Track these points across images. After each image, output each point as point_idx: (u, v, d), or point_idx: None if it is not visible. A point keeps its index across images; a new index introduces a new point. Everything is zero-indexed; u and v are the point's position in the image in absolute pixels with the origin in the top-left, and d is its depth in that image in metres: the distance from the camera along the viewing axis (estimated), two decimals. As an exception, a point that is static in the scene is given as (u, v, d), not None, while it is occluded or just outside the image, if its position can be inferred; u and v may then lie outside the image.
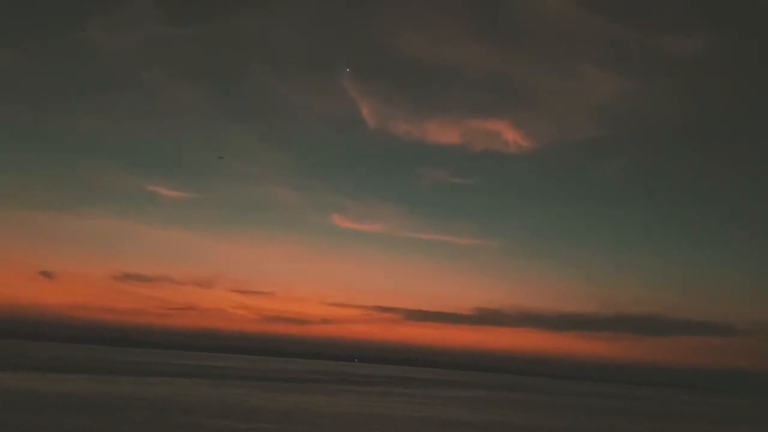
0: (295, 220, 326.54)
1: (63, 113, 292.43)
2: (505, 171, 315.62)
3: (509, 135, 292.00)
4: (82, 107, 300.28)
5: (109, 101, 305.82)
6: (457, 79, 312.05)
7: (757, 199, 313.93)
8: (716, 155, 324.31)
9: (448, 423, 57.03)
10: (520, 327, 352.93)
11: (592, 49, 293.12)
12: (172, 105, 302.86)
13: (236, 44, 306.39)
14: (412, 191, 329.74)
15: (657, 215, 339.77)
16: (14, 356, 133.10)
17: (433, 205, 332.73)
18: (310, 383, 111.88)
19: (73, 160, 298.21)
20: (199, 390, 75.81)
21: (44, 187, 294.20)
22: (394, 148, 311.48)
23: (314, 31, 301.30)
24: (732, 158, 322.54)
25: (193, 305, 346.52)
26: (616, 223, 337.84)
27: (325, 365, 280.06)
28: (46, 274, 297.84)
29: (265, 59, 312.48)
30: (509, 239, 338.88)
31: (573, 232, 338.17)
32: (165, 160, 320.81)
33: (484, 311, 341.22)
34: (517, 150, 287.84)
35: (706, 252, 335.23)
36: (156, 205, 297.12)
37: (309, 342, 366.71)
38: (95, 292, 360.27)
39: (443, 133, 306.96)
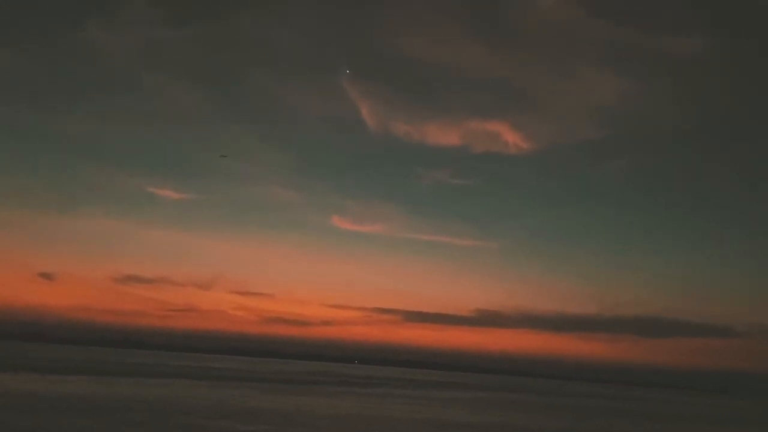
0: (295, 221, 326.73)
1: (63, 114, 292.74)
2: (505, 172, 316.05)
3: (509, 136, 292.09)
4: (81, 108, 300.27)
5: (109, 102, 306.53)
6: (457, 81, 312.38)
7: (756, 201, 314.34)
8: (716, 156, 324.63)
9: (448, 424, 57.06)
10: (519, 328, 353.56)
11: (592, 50, 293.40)
12: (171, 106, 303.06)
13: (236, 45, 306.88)
14: (412, 192, 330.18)
15: (657, 216, 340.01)
16: (14, 358, 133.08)
17: (433, 206, 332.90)
18: (309, 385, 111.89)
19: (73, 161, 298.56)
20: (198, 391, 75.84)
21: (44, 188, 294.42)
22: (394, 150, 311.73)
23: (314, 32, 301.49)
24: (732, 159, 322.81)
25: (193, 307, 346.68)
26: (615, 224, 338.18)
27: (325, 367, 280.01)
28: (46, 276, 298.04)
29: (265, 60, 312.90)
30: (509, 240, 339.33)
31: (573, 234, 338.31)
32: (165, 162, 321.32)
33: (484, 312, 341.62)
34: (517, 151, 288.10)
35: (705, 253, 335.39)
36: (156, 206, 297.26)
37: (309, 343, 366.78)
38: (95, 293, 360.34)
39: (443, 134, 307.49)
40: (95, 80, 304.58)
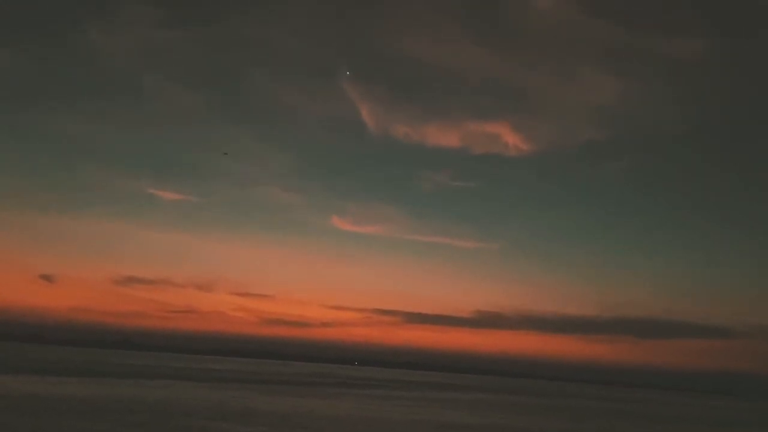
0: (295, 222, 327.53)
1: (63, 115, 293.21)
2: (505, 174, 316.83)
3: (509, 138, 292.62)
4: (81, 109, 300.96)
5: (109, 103, 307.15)
6: (457, 82, 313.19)
7: (756, 202, 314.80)
8: (716, 157, 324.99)
9: (447, 426, 57.06)
10: (520, 329, 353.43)
11: (591, 51, 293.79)
12: (171, 107, 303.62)
13: (236, 47, 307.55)
14: (411, 194, 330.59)
15: (657, 218, 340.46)
16: (14, 359, 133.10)
17: (433, 207, 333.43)
18: (309, 386, 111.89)
19: (73, 163, 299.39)
20: (198, 393, 75.85)
21: (44, 189, 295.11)
22: (394, 151, 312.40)
23: (314, 34, 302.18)
24: (732, 161, 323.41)
25: (194, 308, 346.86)
26: (616, 225, 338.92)
27: (325, 368, 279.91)
28: (46, 277, 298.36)
29: (265, 62, 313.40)
30: (509, 242, 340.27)
31: (573, 235, 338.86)
32: (165, 163, 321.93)
33: (484, 314, 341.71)
34: (517, 153, 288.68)
35: (705, 254, 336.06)
36: (156, 207, 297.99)
37: (309, 345, 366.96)
38: (95, 295, 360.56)
39: (443, 136, 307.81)
40: (95, 81, 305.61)
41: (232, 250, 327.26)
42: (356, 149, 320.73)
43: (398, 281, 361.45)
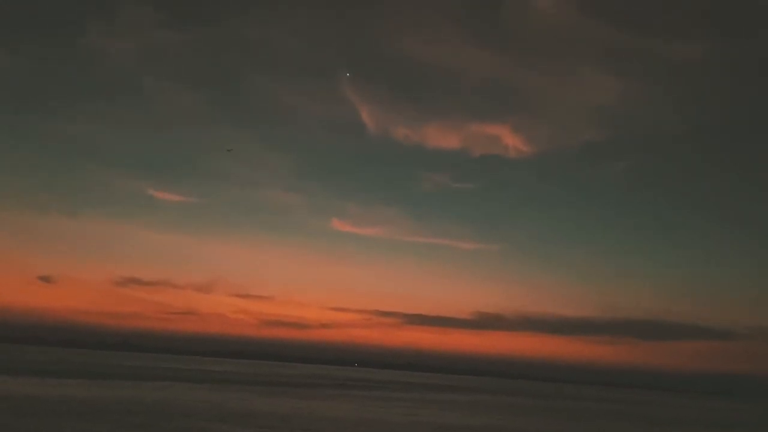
0: (295, 224, 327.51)
1: (63, 117, 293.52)
2: (505, 175, 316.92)
3: (509, 139, 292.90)
4: (82, 111, 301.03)
5: (109, 105, 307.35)
6: (457, 84, 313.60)
7: (757, 204, 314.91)
8: (716, 159, 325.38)
9: (447, 427, 57.07)
10: (520, 331, 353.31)
11: (591, 53, 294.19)
12: (172, 109, 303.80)
13: (236, 48, 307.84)
14: (411, 195, 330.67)
15: (657, 219, 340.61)
16: (13, 361, 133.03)
17: (433, 209, 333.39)
18: (309, 388, 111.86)
19: (73, 164, 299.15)
20: (198, 394, 75.84)
21: (43, 190, 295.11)
22: (394, 153, 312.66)
23: (314, 35, 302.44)
24: (732, 162, 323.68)
25: (193, 310, 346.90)
26: (616, 226, 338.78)
27: (325, 370, 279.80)
28: (45, 279, 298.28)
29: (265, 63, 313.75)
30: (509, 243, 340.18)
31: (573, 236, 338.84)
32: (165, 164, 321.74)
33: (484, 315, 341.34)
34: (517, 154, 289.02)
35: (705, 256, 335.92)
36: (156, 209, 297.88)
37: (308, 346, 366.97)
38: (95, 296, 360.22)
39: (443, 137, 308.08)
40: (95, 82, 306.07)
41: (232, 252, 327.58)
42: (356, 150, 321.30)
43: (398, 283, 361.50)
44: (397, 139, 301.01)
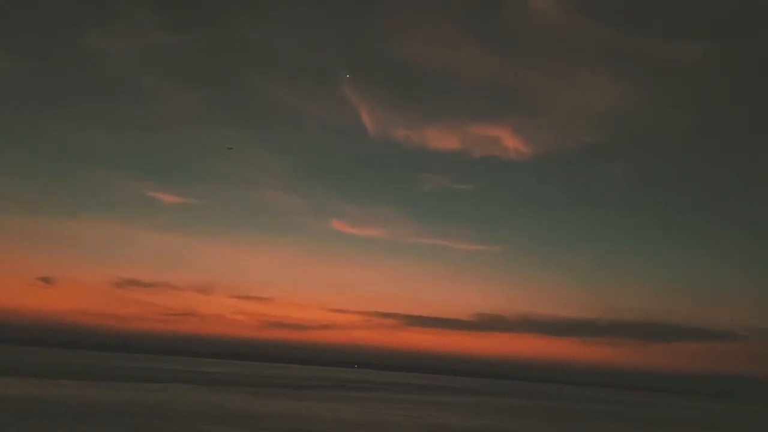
0: (295, 225, 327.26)
1: (63, 119, 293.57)
2: (506, 176, 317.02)
3: (509, 141, 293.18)
4: (82, 112, 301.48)
5: (109, 107, 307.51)
6: (457, 86, 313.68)
7: (757, 205, 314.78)
8: (716, 160, 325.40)
9: (447, 429, 56.95)
10: (520, 332, 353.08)
11: (591, 55, 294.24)
12: (171, 111, 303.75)
13: (236, 51, 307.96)
14: (412, 197, 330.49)
15: (657, 221, 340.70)
16: (13, 362, 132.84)
17: (433, 210, 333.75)
18: (309, 389, 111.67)
19: (73, 166, 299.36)
20: (198, 396, 75.66)
21: (44, 192, 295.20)
22: (394, 154, 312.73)
23: (314, 36, 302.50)
24: (732, 163, 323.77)
25: (193, 311, 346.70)
26: (616, 228, 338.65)
27: (325, 371, 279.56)
28: (45, 280, 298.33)
29: (265, 65, 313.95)
30: (509, 244, 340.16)
31: (573, 237, 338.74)
32: (165, 166, 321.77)
33: (484, 317, 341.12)
34: (517, 156, 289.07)
35: (706, 257, 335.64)
36: (155, 210, 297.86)
37: (308, 348, 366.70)
38: (94, 297, 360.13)
39: (443, 138, 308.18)
40: (96, 84, 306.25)
41: (232, 253, 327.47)
42: (356, 152, 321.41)
43: (398, 284, 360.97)
44: (398, 140, 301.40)
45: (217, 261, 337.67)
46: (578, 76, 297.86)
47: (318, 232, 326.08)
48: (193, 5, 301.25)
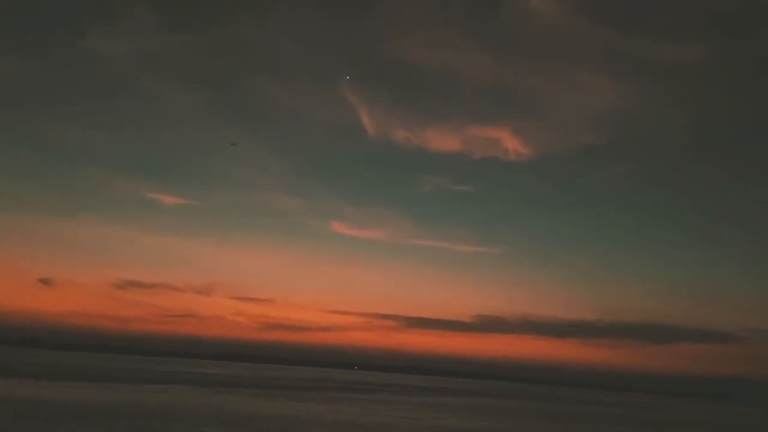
0: (294, 227, 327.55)
1: (63, 121, 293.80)
2: (505, 178, 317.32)
3: (509, 142, 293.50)
4: (82, 114, 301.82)
5: (109, 109, 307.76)
6: (457, 87, 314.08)
7: (756, 206, 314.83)
8: (716, 160, 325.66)
9: (447, 431, 56.96)
10: (520, 334, 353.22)
11: (591, 56, 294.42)
12: (171, 112, 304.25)
13: (236, 52, 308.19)
14: (412, 198, 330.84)
15: (656, 221, 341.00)
16: (12, 364, 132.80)
17: (433, 212, 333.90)
18: (309, 391, 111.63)
19: (73, 166, 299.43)
20: (197, 397, 75.64)
21: (44, 193, 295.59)
22: (394, 155, 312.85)
23: (314, 38, 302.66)
24: (731, 165, 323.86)
25: (193, 313, 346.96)
26: (616, 229, 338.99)
27: (325, 373, 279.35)
28: (45, 282, 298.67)
29: (265, 67, 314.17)
30: (509, 246, 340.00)
31: (573, 239, 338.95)
32: (164, 168, 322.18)
33: (484, 318, 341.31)
34: (516, 157, 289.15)
35: (706, 258, 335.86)
36: (155, 212, 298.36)
37: (308, 349, 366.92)
38: (94, 299, 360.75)
39: (443, 140, 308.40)
40: (95, 85, 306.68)
41: (232, 255, 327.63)
42: (356, 153, 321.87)
43: (398, 285, 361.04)
44: (397, 141, 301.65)
45: (217, 262, 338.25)
46: (578, 76, 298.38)
47: (318, 234, 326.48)
48: (193, 6, 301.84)
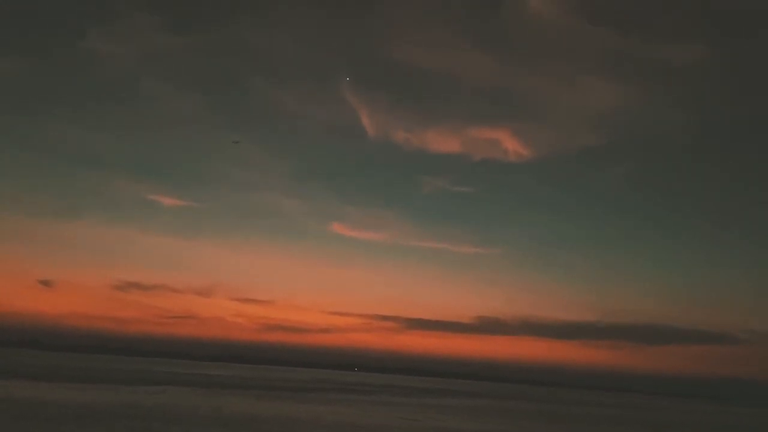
0: (294, 228, 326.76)
1: (63, 122, 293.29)
2: (506, 179, 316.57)
3: (509, 143, 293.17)
4: (82, 116, 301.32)
5: (109, 110, 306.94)
6: (457, 88, 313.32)
7: (756, 207, 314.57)
8: (716, 161, 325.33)
9: (447, 432, 56.89)
10: (520, 335, 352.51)
11: (591, 57, 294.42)
12: (172, 114, 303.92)
13: (236, 53, 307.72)
14: (412, 199, 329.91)
15: (657, 223, 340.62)
16: (12, 365, 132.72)
17: (433, 213, 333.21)
18: (309, 392, 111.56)
19: (73, 169, 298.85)
20: (197, 399, 75.57)
21: (43, 195, 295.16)
22: (394, 157, 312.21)
23: (314, 39, 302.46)
24: (731, 166, 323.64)
25: (193, 314, 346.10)
26: (616, 230, 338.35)
27: (325, 374, 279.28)
28: (45, 283, 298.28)
29: (265, 68, 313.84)
30: (509, 247, 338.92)
31: (573, 240, 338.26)
32: (165, 169, 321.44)
33: (484, 320, 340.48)
34: (517, 158, 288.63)
35: (706, 260, 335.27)
36: (155, 213, 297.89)
37: (308, 351, 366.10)
38: (94, 300, 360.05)
39: (443, 141, 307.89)
40: (96, 88, 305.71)
41: (232, 256, 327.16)
42: (356, 154, 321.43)
43: (398, 287, 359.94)
44: (397, 142, 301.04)
45: (217, 264, 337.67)
46: (578, 77, 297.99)
47: (318, 235, 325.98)
48: (193, 7, 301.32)
